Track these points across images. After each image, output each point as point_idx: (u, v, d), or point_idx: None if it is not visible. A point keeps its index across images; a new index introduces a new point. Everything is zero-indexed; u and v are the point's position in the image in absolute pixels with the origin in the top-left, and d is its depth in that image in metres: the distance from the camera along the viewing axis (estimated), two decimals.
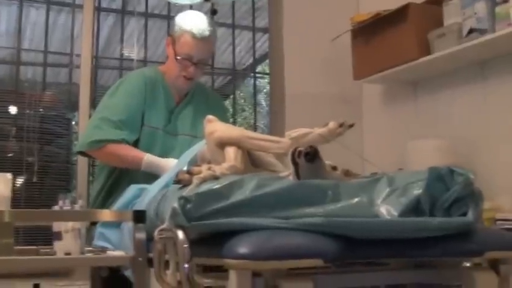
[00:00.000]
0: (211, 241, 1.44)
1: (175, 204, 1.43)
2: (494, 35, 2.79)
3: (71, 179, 3.55)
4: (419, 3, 3.19)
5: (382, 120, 3.80)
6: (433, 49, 3.10)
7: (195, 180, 1.59)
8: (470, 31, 2.91)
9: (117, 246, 2.10)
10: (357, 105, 3.90)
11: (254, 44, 4.28)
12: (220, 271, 1.58)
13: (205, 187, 1.50)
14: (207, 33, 2.63)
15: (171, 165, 2.44)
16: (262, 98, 6.08)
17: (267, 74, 4.66)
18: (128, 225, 1.96)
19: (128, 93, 2.61)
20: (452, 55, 3.02)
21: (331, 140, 1.81)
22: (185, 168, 2.06)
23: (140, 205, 2.07)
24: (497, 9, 2.80)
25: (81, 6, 3.47)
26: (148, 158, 2.49)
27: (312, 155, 1.60)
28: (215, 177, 1.61)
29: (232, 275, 1.35)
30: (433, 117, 3.40)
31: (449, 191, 1.58)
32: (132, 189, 2.31)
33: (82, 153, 2.65)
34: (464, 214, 1.56)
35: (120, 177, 2.59)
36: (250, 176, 1.56)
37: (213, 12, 2.87)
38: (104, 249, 1.98)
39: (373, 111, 3.87)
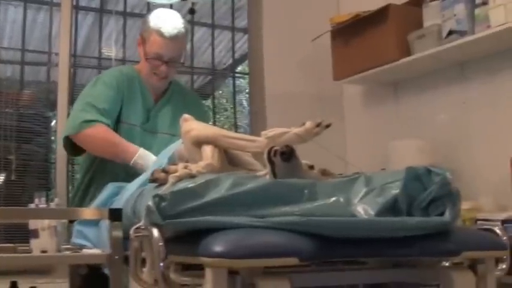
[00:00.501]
0: (186, 239, 1.42)
1: (150, 202, 1.41)
2: (474, 36, 2.81)
3: (50, 177, 3.52)
4: (399, 5, 3.21)
5: (363, 120, 3.81)
6: (413, 50, 3.12)
7: (171, 179, 1.58)
8: (450, 33, 2.93)
9: (96, 243, 2.08)
10: (337, 105, 3.90)
11: (233, 44, 4.26)
12: (199, 269, 1.58)
13: (180, 185, 1.49)
14: (175, 31, 2.59)
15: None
16: (243, 98, 6.08)
17: (246, 74, 4.65)
18: (105, 223, 1.94)
19: (107, 85, 2.59)
20: (432, 56, 3.03)
21: (308, 140, 1.79)
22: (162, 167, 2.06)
23: (118, 203, 2.05)
24: (477, 11, 2.82)
25: (59, 5, 3.44)
26: (144, 152, 2.45)
27: (287, 154, 1.59)
28: (191, 176, 1.60)
29: (208, 273, 1.33)
30: (413, 118, 3.41)
31: (426, 190, 1.58)
32: (110, 187, 2.29)
33: (67, 145, 2.57)
34: (442, 214, 1.56)
35: (97, 175, 2.57)
36: (227, 174, 1.55)
37: (191, 12, 2.84)
38: (81, 247, 1.96)
39: (354, 111, 3.88)
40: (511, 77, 2.91)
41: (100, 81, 2.62)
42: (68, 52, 3.30)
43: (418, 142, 3.17)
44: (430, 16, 3.07)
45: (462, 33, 2.87)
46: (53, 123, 3.71)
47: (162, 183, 1.66)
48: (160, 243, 1.35)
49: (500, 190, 2.83)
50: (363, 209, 1.53)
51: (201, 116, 2.75)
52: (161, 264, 1.35)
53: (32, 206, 1.85)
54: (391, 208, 1.53)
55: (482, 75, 3.04)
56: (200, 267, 1.52)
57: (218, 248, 1.32)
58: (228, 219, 1.39)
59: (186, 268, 1.57)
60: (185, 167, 1.65)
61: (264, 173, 1.72)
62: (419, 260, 1.68)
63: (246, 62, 4.95)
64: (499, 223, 2.39)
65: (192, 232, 1.41)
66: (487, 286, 1.62)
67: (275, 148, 1.61)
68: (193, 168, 1.65)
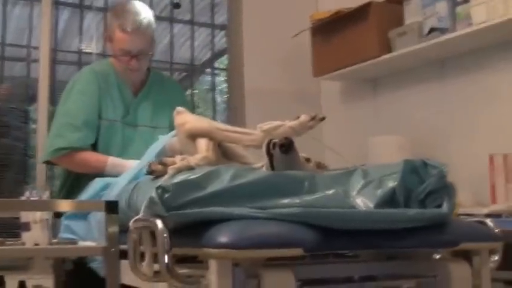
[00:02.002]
0: (187, 231, 1.41)
1: (153, 194, 1.40)
2: (455, 34, 2.84)
3: (29, 172, 3.46)
4: (380, 2, 3.22)
5: (341, 117, 3.82)
6: (394, 47, 3.14)
7: (170, 170, 1.56)
8: (431, 30, 2.95)
9: (84, 238, 2.05)
10: (316, 102, 3.91)
11: (213, 40, 4.25)
12: (194, 262, 1.57)
13: (182, 177, 1.48)
14: (137, 24, 2.53)
15: (134, 165, 2.40)
16: (217, 95, 6.05)
17: (224, 69, 4.65)
18: (97, 216, 1.92)
19: (82, 92, 2.56)
20: (413, 53, 3.06)
21: (302, 133, 1.80)
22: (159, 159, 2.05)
23: (108, 197, 2.03)
24: (458, 9, 2.85)
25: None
26: (113, 161, 2.45)
27: (287, 146, 1.60)
28: (190, 168, 1.59)
29: (213, 264, 1.32)
30: (392, 115, 3.44)
31: (423, 183, 1.60)
32: (97, 182, 2.27)
33: (48, 162, 2.61)
34: (439, 206, 1.58)
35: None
36: (226, 166, 1.54)
37: (175, 6, 2.79)
38: (70, 242, 1.93)
39: (332, 108, 3.89)
40: (490, 75, 2.94)
41: (74, 90, 2.58)
42: (48, 47, 3.24)
43: (397, 138, 3.20)
44: (411, 13, 3.10)
45: (443, 31, 2.90)
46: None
47: (159, 175, 1.65)
48: (165, 235, 1.33)
49: (479, 186, 2.88)
50: (362, 201, 1.54)
51: (183, 105, 2.75)
52: (166, 256, 1.33)
53: (23, 198, 1.82)
54: (389, 200, 1.55)
55: (462, 72, 3.08)
56: (196, 260, 1.52)
57: (223, 239, 1.31)
58: (233, 211, 1.38)
59: (181, 261, 1.56)
60: (183, 159, 1.63)
61: (260, 166, 1.72)
62: (414, 252, 1.70)
63: (221, 58, 4.97)
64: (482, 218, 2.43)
65: (194, 224, 1.40)
66: (481, 277, 1.64)
67: (274, 140, 1.61)
68: (192, 160, 1.64)
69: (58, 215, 2.13)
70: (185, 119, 1.88)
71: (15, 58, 3.68)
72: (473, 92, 3.02)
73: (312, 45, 3.55)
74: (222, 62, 5.25)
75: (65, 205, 1.77)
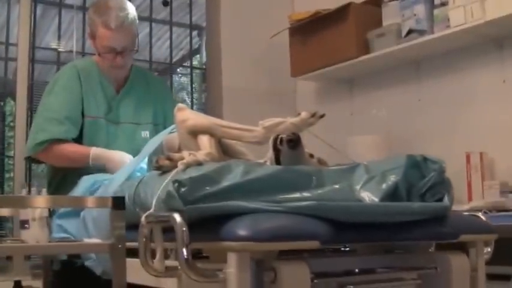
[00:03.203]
0: (202, 225, 1.42)
1: (170, 188, 1.41)
2: (433, 36, 2.92)
3: (3, 170, 3.41)
4: (359, 3, 3.29)
5: None
6: (372, 48, 3.21)
7: (181, 165, 1.57)
8: (409, 32, 3.03)
9: (77, 236, 2.04)
10: (291, 101, 3.96)
11: (191, 39, 4.26)
12: (201, 258, 1.59)
13: (196, 171, 1.49)
14: (121, 20, 2.49)
15: (118, 156, 2.41)
16: (185, 95, 6.05)
17: (199, 68, 4.66)
18: (92, 213, 1.91)
19: (64, 88, 2.54)
20: (391, 54, 3.13)
21: (303, 130, 1.84)
22: (144, 161, 2.06)
23: (105, 194, 2.02)
24: (436, 11, 2.94)
25: None
26: (95, 151, 2.44)
27: (295, 141, 1.63)
28: (199, 163, 1.60)
29: (232, 258, 1.34)
30: (368, 115, 3.51)
31: (424, 177, 1.65)
32: (87, 179, 2.25)
33: (32, 160, 2.57)
34: (438, 200, 1.64)
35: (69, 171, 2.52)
36: (235, 162, 1.56)
37: (165, 4, 2.78)
38: (72, 240, 1.92)
39: (307, 108, 3.91)
40: (467, 75, 3.03)
41: (57, 86, 2.56)
42: (27, 45, 3.21)
43: (375, 138, 3.26)
44: (389, 15, 3.17)
45: (421, 33, 2.98)
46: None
47: (166, 170, 1.66)
48: (184, 229, 1.34)
49: (456, 184, 2.94)
50: (367, 195, 1.58)
51: (166, 100, 2.75)
52: (184, 250, 1.34)
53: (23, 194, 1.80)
54: (392, 194, 1.60)
55: (438, 73, 3.16)
56: (201, 256, 1.54)
57: (243, 232, 1.33)
58: (250, 204, 1.40)
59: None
60: (191, 154, 1.64)
61: (263, 161, 1.75)
62: (413, 245, 1.75)
63: (190, 59, 4.97)
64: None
65: (209, 218, 1.42)
66: (478, 268, 1.70)
67: (281, 136, 1.63)
68: (199, 155, 1.65)
69: (50, 214, 2.12)
70: (186, 115, 1.89)
71: None
72: (450, 92, 3.10)
73: (290, 45, 3.59)
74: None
75: (70, 201, 1.75)
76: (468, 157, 2.89)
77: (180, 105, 1.93)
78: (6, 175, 3.64)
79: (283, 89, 3.89)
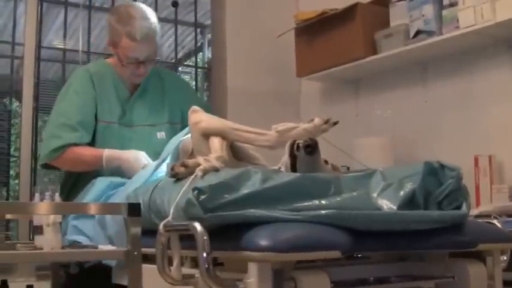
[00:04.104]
0: (222, 234, 1.41)
1: (190, 195, 1.39)
2: (442, 37, 2.89)
3: (9, 172, 3.39)
4: (366, 4, 3.26)
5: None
6: (379, 49, 3.18)
7: (198, 172, 1.55)
8: (418, 32, 3.00)
9: (92, 238, 2.03)
10: (296, 102, 3.94)
11: (196, 38, 4.23)
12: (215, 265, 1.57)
13: (213, 178, 1.47)
14: (146, 31, 2.46)
15: (133, 155, 2.39)
16: None
17: (203, 68, 4.63)
18: (107, 216, 1.90)
19: (77, 93, 2.51)
20: (399, 55, 3.10)
21: (316, 136, 1.82)
22: (168, 161, 2.04)
23: (119, 198, 2.01)
24: (444, 12, 2.90)
25: None
26: (108, 152, 2.41)
27: (312, 147, 1.61)
28: (216, 169, 1.58)
29: (253, 268, 1.33)
30: (374, 116, 3.48)
31: (441, 185, 1.64)
32: (101, 182, 2.24)
33: (47, 166, 2.53)
34: (456, 207, 1.62)
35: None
36: (253, 168, 1.54)
37: (174, 4, 2.74)
38: (82, 243, 1.90)
39: (311, 108, 3.91)
40: (475, 77, 3.00)
41: (70, 90, 2.53)
42: (34, 44, 3.18)
43: (381, 140, 3.23)
44: (397, 16, 3.14)
45: (430, 34, 2.95)
46: None
47: (182, 177, 1.64)
48: (205, 237, 1.33)
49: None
50: (385, 203, 1.57)
51: (184, 95, 2.71)
52: (204, 255, 1.32)
53: (37, 200, 1.77)
54: (410, 202, 1.59)
55: (446, 74, 3.13)
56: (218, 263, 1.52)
57: (264, 242, 1.32)
58: (271, 213, 1.39)
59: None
60: (206, 160, 1.62)
61: (277, 168, 1.74)
62: (428, 253, 1.74)
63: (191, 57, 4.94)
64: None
65: (228, 226, 1.40)
66: (494, 277, 1.69)
67: (298, 142, 1.61)
68: (213, 161, 1.63)
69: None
70: (200, 117, 1.87)
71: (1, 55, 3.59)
72: (458, 94, 3.07)
73: (296, 45, 3.56)
74: (191, 61, 5.23)
75: (86, 208, 1.73)
76: (476, 160, 2.87)
77: (194, 107, 1.91)
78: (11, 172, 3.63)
79: (288, 89, 3.87)
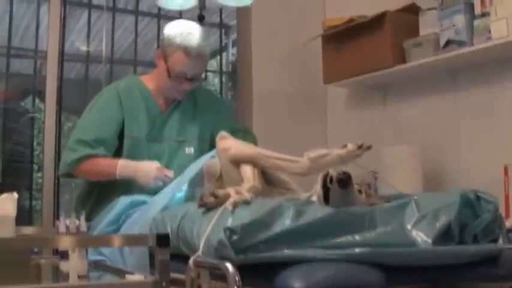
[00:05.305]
0: (252, 271, 1.39)
1: (222, 236, 1.37)
2: (473, 48, 2.84)
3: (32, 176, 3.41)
4: (395, 12, 3.20)
5: (347, 123, 3.81)
6: (408, 58, 3.13)
7: (229, 206, 1.53)
8: (448, 42, 2.95)
9: (111, 258, 2.02)
10: (321, 107, 3.91)
11: (221, 40, 4.21)
12: None
13: (244, 213, 1.46)
14: (202, 49, 2.49)
15: (147, 167, 2.37)
16: None
17: (227, 73, 4.61)
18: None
19: (100, 109, 2.52)
20: (428, 64, 3.05)
21: (349, 162, 1.79)
22: (185, 186, 2.02)
23: (143, 219, 2.00)
24: (476, 22, 2.85)
25: None
26: (123, 162, 2.41)
27: (345, 181, 1.57)
28: (246, 202, 1.57)
29: None
30: (402, 123, 3.43)
31: (477, 217, 1.61)
32: (122, 201, 2.23)
33: (67, 175, 2.55)
34: (492, 240, 1.60)
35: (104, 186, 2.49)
36: (285, 202, 1.52)
37: (200, 18, 2.73)
38: (103, 263, 1.90)
39: (337, 114, 3.88)
40: (505, 86, 2.95)
41: (95, 106, 2.55)
42: (57, 47, 3.18)
43: (407, 148, 3.19)
44: (427, 24, 3.08)
45: (460, 44, 2.89)
46: None
47: (211, 207, 1.62)
48: (237, 278, 1.32)
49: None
50: (419, 236, 1.55)
51: (215, 111, 2.69)
52: None
53: (62, 227, 1.76)
54: (445, 234, 1.56)
55: (476, 83, 3.08)
56: None
57: (297, 284, 1.31)
58: (302, 253, 1.38)
59: None
60: (237, 192, 1.60)
61: (309, 195, 1.71)
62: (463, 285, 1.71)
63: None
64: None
65: (261, 264, 1.39)
66: None
67: (331, 174, 1.58)
68: (244, 192, 1.61)
69: None
70: (229, 144, 1.85)
71: (24, 55, 3.61)
72: (488, 102, 3.02)
73: (323, 52, 3.52)
74: (211, 64, 5.21)
75: (111, 240, 1.71)
76: (506, 169, 2.82)
77: (222, 133, 1.89)
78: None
79: (314, 94, 3.83)
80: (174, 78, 2.50)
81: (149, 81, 2.61)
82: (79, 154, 2.42)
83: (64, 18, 3.37)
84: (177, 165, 2.45)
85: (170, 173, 2.31)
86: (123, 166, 2.39)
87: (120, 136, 2.49)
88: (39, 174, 3.62)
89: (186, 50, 2.45)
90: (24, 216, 3.60)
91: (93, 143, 2.43)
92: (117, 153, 2.48)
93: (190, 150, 2.55)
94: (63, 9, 3.36)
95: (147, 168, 2.35)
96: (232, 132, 2.40)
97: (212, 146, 2.54)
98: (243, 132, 2.63)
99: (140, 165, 2.39)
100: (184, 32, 2.50)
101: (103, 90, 2.63)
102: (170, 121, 2.59)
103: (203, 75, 2.63)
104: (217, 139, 1.89)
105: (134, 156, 2.46)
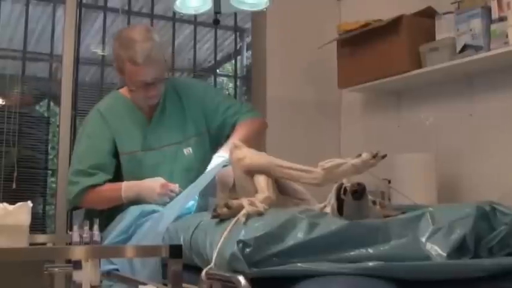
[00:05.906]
0: (266, 284, 1.39)
1: (235, 249, 1.37)
2: (490, 53, 2.81)
3: (47, 183, 3.42)
4: (411, 16, 3.18)
5: (361, 129, 3.79)
6: (424, 62, 3.10)
7: (242, 217, 1.52)
8: (464, 47, 2.92)
9: (121, 267, 2.01)
10: (336, 112, 3.89)
11: (236, 44, 4.21)
12: None
13: (257, 224, 1.45)
14: (146, 53, 2.37)
15: (151, 184, 2.35)
16: None
17: (241, 77, 4.60)
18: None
19: (89, 136, 2.51)
20: (444, 69, 3.02)
21: (363, 171, 1.77)
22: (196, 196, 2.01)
23: (154, 230, 1.99)
24: (493, 26, 2.82)
25: (63, 1, 3.34)
26: (126, 183, 2.40)
27: (359, 193, 1.56)
28: (260, 213, 1.56)
29: None
30: (416, 128, 3.40)
31: (493, 229, 1.59)
32: (132, 211, 2.22)
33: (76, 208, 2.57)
34: (509, 253, 1.57)
35: None
36: (299, 213, 1.51)
37: (215, 22, 2.70)
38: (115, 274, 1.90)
39: (352, 119, 3.86)
40: None
41: (83, 134, 2.54)
42: (72, 50, 3.19)
43: (423, 156, 3.16)
44: (443, 29, 3.06)
45: (477, 48, 2.86)
46: None
47: (224, 218, 1.62)
48: None
49: (509, 204, 2.86)
50: (434, 249, 1.52)
51: (202, 99, 2.62)
52: None
53: (75, 237, 1.76)
54: (460, 248, 1.54)
55: (493, 89, 3.04)
56: None
57: None
58: (316, 267, 1.36)
59: None
60: (250, 203, 1.59)
61: (322, 206, 1.70)
62: None
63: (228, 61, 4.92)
64: None
65: (273, 278, 1.38)
66: None
67: (345, 185, 1.57)
68: (257, 203, 1.60)
69: None
70: (243, 154, 1.84)
71: (39, 59, 3.62)
72: (504, 108, 2.99)
73: (338, 56, 3.50)
74: (225, 68, 5.22)
75: (124, 251, 1.71)
76: None
77: (236, 142, 1.88)
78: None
79: (328, 99, 3.82)
80: (137, 88, 2.44)
81: (128, 92, 2.55)
82: (80, 186, 2.41)
83: (79, 21, 3.39)
84: (179, 171, 2.45)
85: (175, 187, 2.30)
86: (127, 187, 2.39)
87: (117, 154, 2.48)
88: (53, 179, 3.64)
89: (132, 60, 2.37)
90: (37, 221, 3.62)
91: (92, 171, 2.42)
92: (119, 171, 2.47)
93: (188, 151, 2.52)
94: (78, 13, 3.38)
95: (151, 186, 2.34)
96: (227, 108, 2.54)
97: (212, 137, 2.57)
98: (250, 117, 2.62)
99: (143, 184, 2.37)
100: (124, 42, 2.41)
101: (87, 116, 2.61)
102: (160, 126, 2.54)
103: (166, 74, 2.55)
104: (231, 149, 1.87)
105: (134, 170, 2.45)
